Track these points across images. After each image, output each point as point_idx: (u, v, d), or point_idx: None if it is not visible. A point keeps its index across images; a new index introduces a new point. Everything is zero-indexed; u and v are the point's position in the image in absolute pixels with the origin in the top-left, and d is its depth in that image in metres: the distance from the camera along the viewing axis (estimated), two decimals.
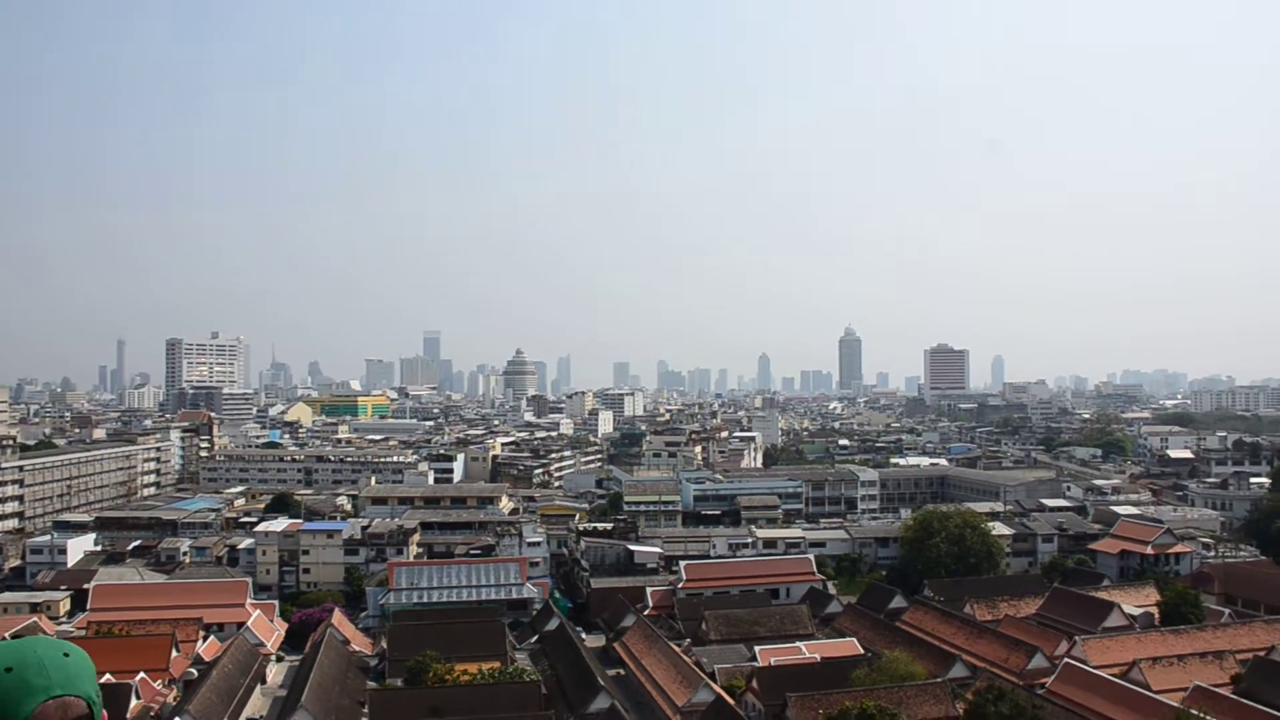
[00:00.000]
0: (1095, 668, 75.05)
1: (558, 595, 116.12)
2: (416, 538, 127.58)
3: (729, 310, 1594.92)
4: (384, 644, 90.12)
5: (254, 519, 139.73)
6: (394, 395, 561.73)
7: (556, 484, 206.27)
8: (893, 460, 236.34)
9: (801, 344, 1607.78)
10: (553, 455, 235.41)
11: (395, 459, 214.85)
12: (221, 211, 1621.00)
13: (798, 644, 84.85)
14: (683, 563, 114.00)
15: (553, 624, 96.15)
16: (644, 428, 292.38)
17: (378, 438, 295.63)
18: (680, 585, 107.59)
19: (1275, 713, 63.83)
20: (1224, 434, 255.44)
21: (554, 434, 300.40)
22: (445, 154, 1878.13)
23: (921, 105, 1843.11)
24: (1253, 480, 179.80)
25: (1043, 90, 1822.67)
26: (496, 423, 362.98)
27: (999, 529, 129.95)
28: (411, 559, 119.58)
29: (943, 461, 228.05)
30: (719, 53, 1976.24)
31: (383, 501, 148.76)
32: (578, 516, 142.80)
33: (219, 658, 79.13)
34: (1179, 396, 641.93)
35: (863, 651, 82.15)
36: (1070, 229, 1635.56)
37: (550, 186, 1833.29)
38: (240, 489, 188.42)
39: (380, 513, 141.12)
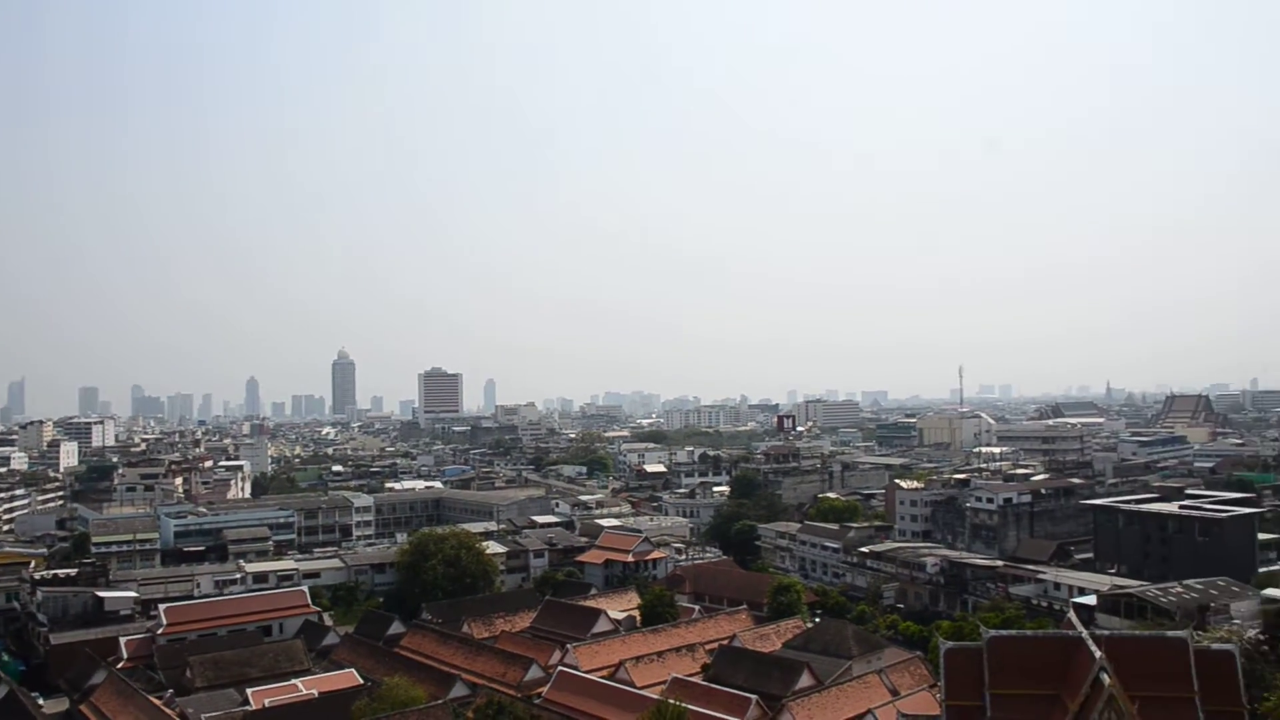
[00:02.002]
0: (586, 672, 78.48)
1: (7, 657, 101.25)
2: None
3: (213, 332, 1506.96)
4: None
5: None
6: None
7: (6, 528, 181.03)
8: (388, 485, 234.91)
9: (292, 367, 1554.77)
10: (1, 495, 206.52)
11: None
12: None
13: (294, 681, 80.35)
14: (163, 606, 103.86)
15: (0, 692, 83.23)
16: (116, 459, 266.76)
17: None
18: (160, 631, 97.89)
19: (737, 692, 70.89)
20: (691, 449, 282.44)
21: (3, 470, 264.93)
22: None
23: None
24: (715, 489, 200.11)
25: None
26: None
27: (493, 547, 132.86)
28: None
29: (438, 484, 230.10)
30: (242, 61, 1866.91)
31: None
32: (33, 564, 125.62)
33: None
34: (654, 416, 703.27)
35: (362, 682, 79.65)
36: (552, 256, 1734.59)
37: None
38: None
39: None
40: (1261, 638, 76.83)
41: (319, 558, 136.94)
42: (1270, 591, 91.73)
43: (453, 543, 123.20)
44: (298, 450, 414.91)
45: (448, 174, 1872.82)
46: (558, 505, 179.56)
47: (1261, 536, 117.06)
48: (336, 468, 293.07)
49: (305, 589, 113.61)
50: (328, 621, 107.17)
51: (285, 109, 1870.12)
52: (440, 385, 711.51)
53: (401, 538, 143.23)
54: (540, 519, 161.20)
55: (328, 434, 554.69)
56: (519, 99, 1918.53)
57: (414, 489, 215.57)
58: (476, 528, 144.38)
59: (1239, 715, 49.73)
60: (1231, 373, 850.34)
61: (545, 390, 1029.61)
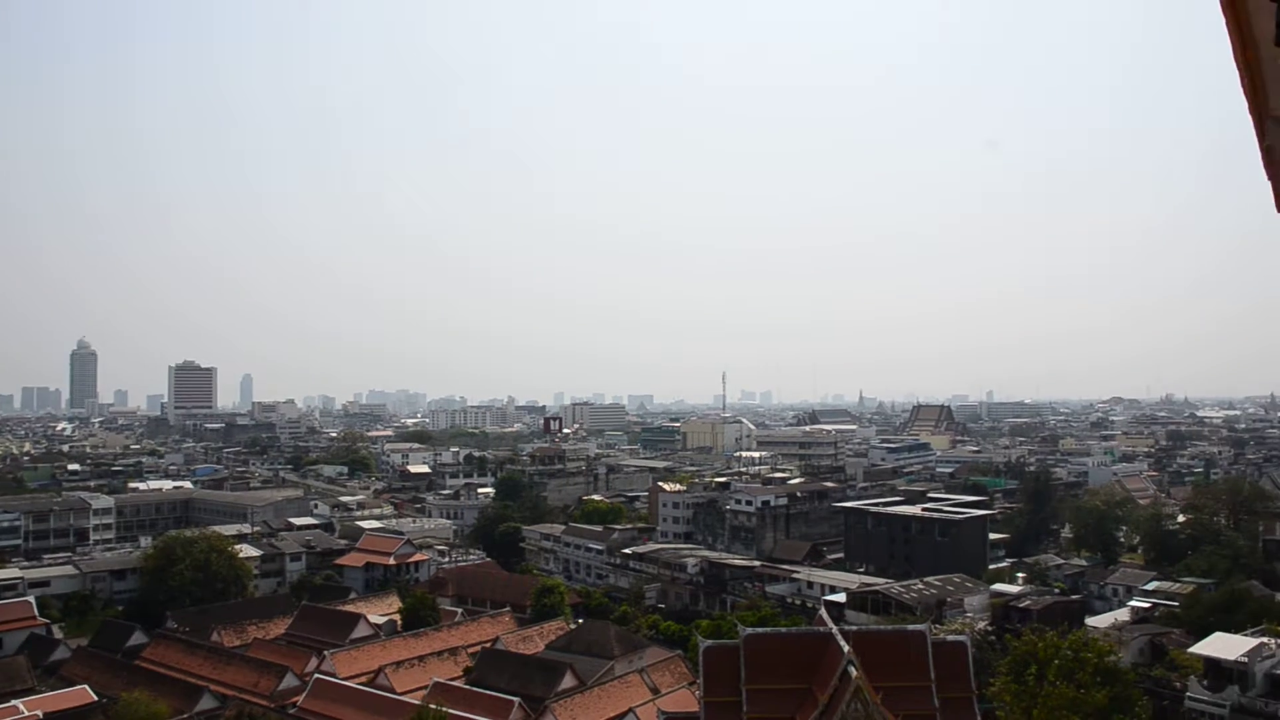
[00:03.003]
0: (344, 679, 76.30)
1: None
2: None
3: None
4: None
5: None
6: None
7: None
8: (131, 485, 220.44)
9: (24, 357, 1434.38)
10: None
11: None
12: None
13: (14, 703, 73.84)
14: None
15: None
16: None
17: None
18: None
19: (500, 695, 70.73)
20: (457, 449, 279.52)
21: None
22: None
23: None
24: (480, 490, 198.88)
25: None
26: None
27: (247, 551, 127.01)
28: None
29: (188, 484, 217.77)
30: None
31: None
32: None
33: None
34: (419, 415, 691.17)
35: (96, 699, 74.24)
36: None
37: None
38: None
39: None
40: (990, 629, 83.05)
41: (49, 564, 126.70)
42: (998, 586, 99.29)
43: (203, 546, 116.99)
44: (28, 447, 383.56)
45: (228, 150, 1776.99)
46: (317, 506, 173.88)
47: (992, 536, 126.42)
48: (73, 466, 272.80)
49: (32, 599, 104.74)
50: (58, 634, 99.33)
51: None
52: (193, 380, 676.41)
53: (146, 541, 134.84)
54: (298, 521, 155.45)
55: (64, 430, 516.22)
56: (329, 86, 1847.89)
57: (161, 489, 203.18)
58: (229, 530, 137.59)
59: (968, 700, 53.88)
60: (970, 385, 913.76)
61: (306, 387, 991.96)
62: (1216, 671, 70.35)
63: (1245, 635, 74.62)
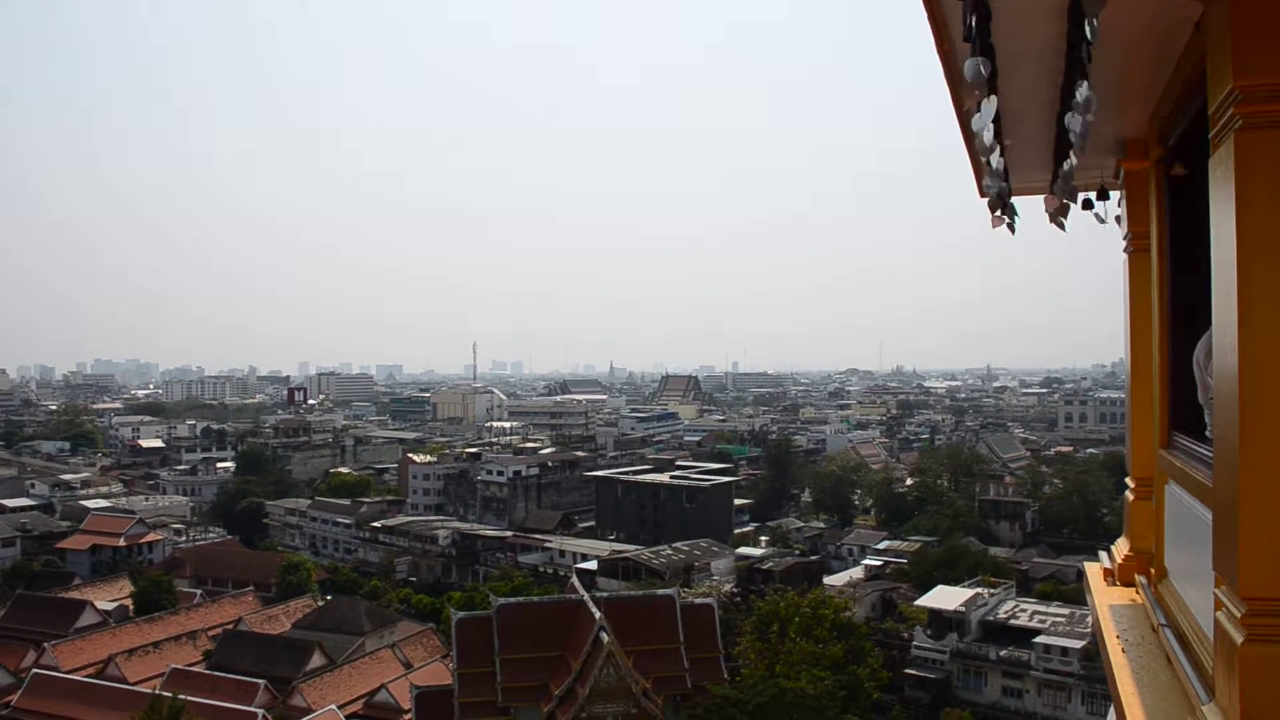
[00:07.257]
0: (68, 672, 71.13)
1: None
2: None
3: None
4: None
5: None
6: None
7: None
8: None
9: None
10: None
11: None
12: None
13: None
14: None
15: None
16: None
17: None
18: None
19: (243, 678, 68.02)
20: (193, 422, 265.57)
21: None
22: None
23: None
24: (219, 465, 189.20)
25: None
26: None
27: None
28: None
29: None
30: None
31: None
32: None
33: None
34: (151, 386, 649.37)
35: None
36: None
37: None
38: None
39: None
40: (735, 590, 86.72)
41: None
42: (743, 550, 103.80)
43: None
44: None
45: None
46: (34, 486, 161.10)
47: (737, 502, 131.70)
48: None
49: None
50: None
51: None
52: None
53: None
54: (11, 502, 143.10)
55: None
56: None
57: None
58: None
59: (716, 659, 56.31)
60: (716, 356, 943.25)
61: (20, 355, 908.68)
62: (939, 621, 76.25)
63: (963, 587, 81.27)
